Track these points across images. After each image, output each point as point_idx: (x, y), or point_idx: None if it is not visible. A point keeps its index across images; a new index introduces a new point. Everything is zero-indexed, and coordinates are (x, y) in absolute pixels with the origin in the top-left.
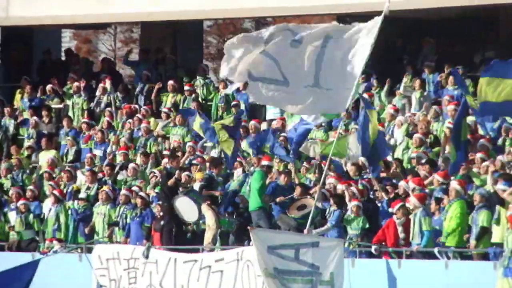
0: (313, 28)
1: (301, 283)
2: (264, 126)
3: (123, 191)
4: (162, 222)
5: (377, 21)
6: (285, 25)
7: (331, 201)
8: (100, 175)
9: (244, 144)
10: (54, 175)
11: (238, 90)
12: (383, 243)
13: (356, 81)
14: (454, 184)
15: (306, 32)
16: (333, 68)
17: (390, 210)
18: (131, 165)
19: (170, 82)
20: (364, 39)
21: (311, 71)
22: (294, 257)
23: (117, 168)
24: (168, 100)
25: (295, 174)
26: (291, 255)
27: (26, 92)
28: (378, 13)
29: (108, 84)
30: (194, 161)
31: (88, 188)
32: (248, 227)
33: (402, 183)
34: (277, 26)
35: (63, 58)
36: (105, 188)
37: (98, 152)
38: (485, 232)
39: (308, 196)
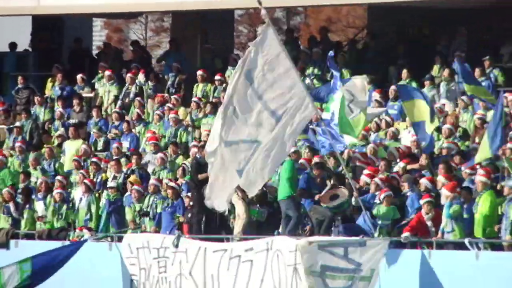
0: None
1: (341, 280)
2: None
3: (152, 181)
4: (189, 214)
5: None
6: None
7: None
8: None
9: None
10: (82, 164)
11: None
12: (416, 234)
13: (299, 84)
14: (480, 177)
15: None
16: (273, 91)
17: (420, 202)
18: (159, 154)
19: (199, 72)
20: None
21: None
22: (343, 255)
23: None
24: (199, 90)
25: (331, 164)
26: (340, 253)
27: (57, 80)
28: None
29: (141, 76)
30: None
31: (115, 177)
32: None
33: (423, 181)
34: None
35: (97, 51)
36: (134, 178)
37: (125, 143)
38: None
39: (341, 186)
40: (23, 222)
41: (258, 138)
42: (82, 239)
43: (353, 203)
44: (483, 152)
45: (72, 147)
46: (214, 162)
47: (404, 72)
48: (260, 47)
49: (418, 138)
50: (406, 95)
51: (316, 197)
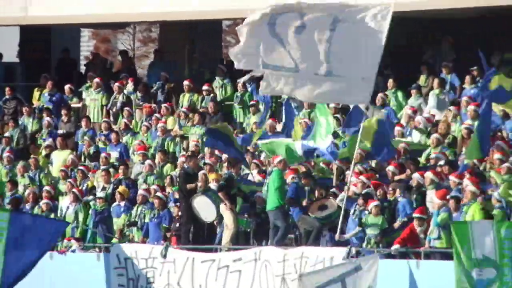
0: (318, 10)
1: None
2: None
3: (140, 191)
4: (177, 224)
5: (388, 8)
6: (287, 5)
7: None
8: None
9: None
10: (69, 174)
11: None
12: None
13: (375, 72)
14: (469, 186)
15: (311, 15)
16: (345, 55)
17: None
18: (147, 161)
19: (186, 82)
20: (373, 23)
21: (322, 58)
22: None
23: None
24: (185, 99)
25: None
26: (339, 287)
27: (47, 87)
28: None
29: (130, 85)
30: (207, 161)
31: (104, 188)
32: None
33: (415, 175)
34: (278, 6)
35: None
36: (121, 189)
37: (114, 153)
38: None
39: (330, 197)
40: None
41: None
42: (71, 249)
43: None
44: (473, 152)
45: (60, 157)
46: None
47: (390, 82)
48: (372, 11)
49: None
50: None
51: (304, 203)
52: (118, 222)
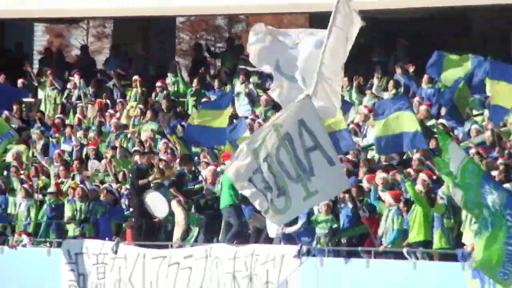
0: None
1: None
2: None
3: (91, 187)
4: (133, 219)
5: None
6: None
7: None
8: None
9: None
10: (21, 170)
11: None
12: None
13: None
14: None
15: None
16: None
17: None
18: (104, 161)
19: (135, 78)
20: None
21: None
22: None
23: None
24: (133, 95)
25: None
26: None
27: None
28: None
29: (77, 79)
30: (162, 157)
31: (62, 182)
32: None
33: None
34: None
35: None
36: (75, 183)
37: (66, 148)
38: None
39: None
40: None
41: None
42: (21, 244)
43: None
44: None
45: (13, 152)
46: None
47: (344, 81)
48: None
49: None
50: None
51: None
52: (69, 209)
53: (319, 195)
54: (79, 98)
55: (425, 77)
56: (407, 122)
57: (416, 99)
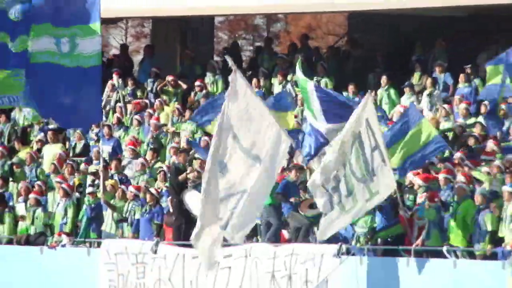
0: None
1: None
2: None
3: (130, 188)
4: (173, 217)
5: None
6: None
7: None
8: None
9: None
10: (59, 170)
11: None
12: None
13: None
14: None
15: None
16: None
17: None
18: (139, 160)
19: (169, 78)
20: None
21: None
22: None
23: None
24: (172, 94)
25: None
26: None
27: None
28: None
29: (115, 79)
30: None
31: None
32: None
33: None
34: None
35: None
36: (112, 182)
37: (106, 148)
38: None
39: None
40: (5, 227)
41: (245, 188)
42: (61, 244)
43: None
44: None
45: (51, 152)
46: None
47: (384, 79)
48: (234, 98)
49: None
50: None
51: (292, 200)
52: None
53: (378, 196)
54: (117, 100)
55: (461, 76)
56: (424, 133)
57: (457, 97)
